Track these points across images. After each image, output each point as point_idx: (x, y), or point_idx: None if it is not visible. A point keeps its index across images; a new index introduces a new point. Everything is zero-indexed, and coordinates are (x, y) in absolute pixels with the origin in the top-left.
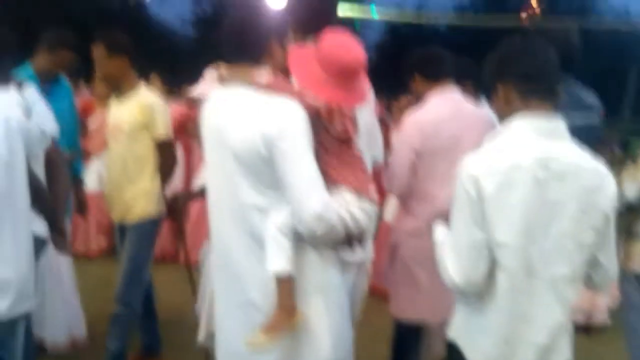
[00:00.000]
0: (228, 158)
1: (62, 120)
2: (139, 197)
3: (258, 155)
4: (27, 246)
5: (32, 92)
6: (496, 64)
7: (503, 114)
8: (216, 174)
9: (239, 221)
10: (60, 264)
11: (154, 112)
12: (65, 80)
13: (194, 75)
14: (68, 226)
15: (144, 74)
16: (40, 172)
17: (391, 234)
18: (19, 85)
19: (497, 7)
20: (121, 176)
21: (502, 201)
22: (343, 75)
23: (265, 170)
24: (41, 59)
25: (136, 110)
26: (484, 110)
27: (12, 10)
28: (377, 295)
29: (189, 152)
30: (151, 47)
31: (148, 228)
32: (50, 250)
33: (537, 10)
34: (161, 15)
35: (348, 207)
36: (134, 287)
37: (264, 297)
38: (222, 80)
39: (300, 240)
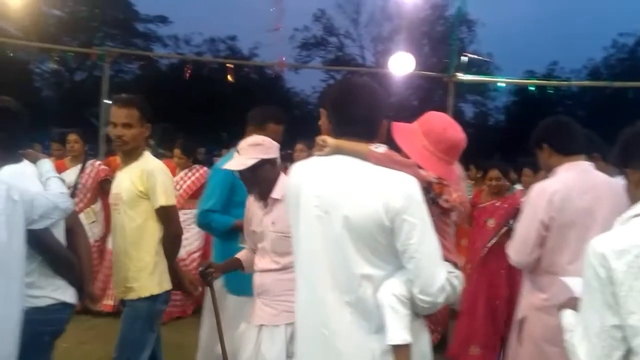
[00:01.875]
0: (337, 227)
1: None
2: (138, 272)
3: (378, 226)
4: (12, 324)
5: (49, 167)
6: (621, 150)
7: (636, 198)
8: (315, 244)
9: (343, 291)
10: None
11: (154, 178)
12: None
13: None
14: None
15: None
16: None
17: (518, 307)
18: (35, 160)
19: (634, 68)
20: (121, 249)
21: (635, 284)
22: (450, 152)
23: (381, 241)
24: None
25: (137, 177)
26: (618, 181)
27: (162, 92)
28: None
29: None
30: (288, 115)
31: (145, 307)
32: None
33: None
34: (296, 86)
35: (449, 276)
36: None
37: None
38: (319, 149)
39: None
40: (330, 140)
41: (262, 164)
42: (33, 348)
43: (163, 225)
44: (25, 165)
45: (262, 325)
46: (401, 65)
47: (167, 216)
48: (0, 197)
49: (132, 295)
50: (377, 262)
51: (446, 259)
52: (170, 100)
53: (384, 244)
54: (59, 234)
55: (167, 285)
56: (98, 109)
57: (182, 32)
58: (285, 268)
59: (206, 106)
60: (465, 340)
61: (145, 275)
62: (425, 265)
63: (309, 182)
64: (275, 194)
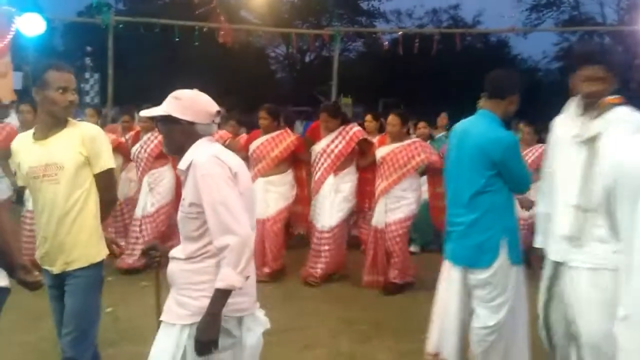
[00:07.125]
0: None
1: None
2: (79, 242)
3: None
4: None
5: None
6: None
7: None
8: None
9: None
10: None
11: (97, 143)
12: None
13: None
14: None
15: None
16: None
17: None
18: None
19: None
20: (59, 219)
21: None
22: None
23: None
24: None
25: (78, 144)
26: None
27: (384, 68)
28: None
29: (302, 185)
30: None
31: (93, 275)
32: None
33: None
34: (523, 52)
35: None
36: (84, 345)
37: None
38: None
39: None
40: None
41: (169, 120)
42: None
43: (99, 189)
44: None
45: (160, 320)
46: None
47: (103, 178)
48: None
49: (73, 265)
50: None
51: None
52: (393, 75)
53: None
54: None
55: (105, 249)
56: (326, 87)
57: (404, 6)
58: (189, 257)
59: (429, 79)
60: None
61: (86, 243)
62: None
63: None
64: (182, 164)
